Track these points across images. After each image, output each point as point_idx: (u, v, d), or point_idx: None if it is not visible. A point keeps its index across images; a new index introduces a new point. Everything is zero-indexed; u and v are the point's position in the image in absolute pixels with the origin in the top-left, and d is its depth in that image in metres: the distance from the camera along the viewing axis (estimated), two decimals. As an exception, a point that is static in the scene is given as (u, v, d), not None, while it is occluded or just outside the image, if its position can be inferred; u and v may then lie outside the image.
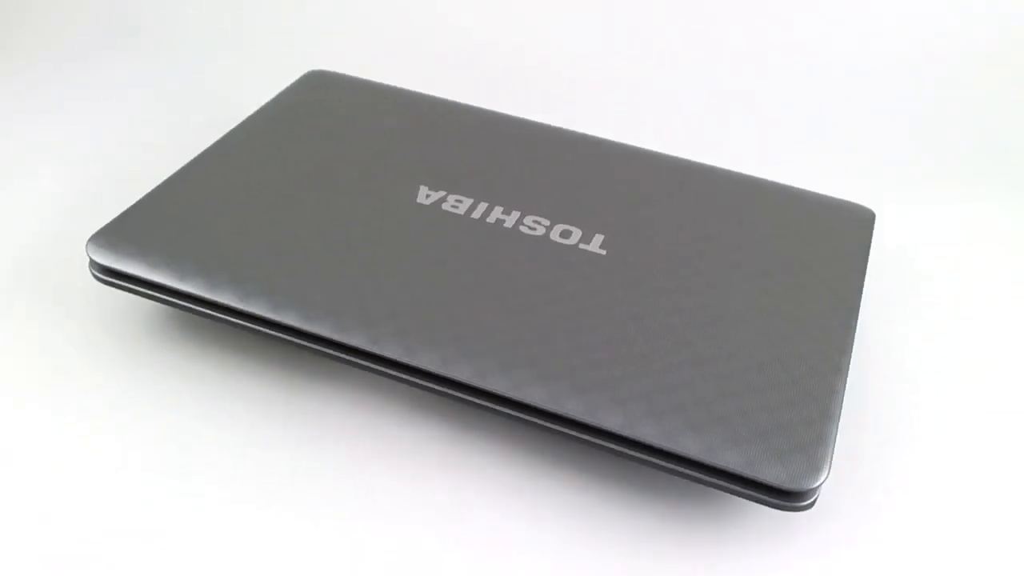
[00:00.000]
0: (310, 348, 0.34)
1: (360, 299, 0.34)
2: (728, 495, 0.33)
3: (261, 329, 0.34)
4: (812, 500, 0.30)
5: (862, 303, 0.37)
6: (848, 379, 0.35)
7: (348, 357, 0.33)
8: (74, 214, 0.46)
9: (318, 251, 0.36)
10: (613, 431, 0.30)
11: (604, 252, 0.37)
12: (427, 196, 0.39)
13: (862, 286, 0.36)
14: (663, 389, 0.31)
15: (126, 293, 0.39)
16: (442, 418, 0.36)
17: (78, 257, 0.42)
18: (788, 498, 0.29)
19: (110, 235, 0.37)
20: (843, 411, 0.36)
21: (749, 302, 0.35)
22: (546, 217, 0.38)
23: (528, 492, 0.34)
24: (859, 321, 0.37)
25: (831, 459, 0.30)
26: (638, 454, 0.31)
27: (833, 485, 0.34)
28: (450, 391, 0.32)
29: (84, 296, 0.41)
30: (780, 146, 0.54)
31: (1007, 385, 0.39)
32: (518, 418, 0.32)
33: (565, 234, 0.37)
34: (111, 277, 0.37)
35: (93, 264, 0.37)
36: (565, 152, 0.43)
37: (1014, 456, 0.36)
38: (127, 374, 0.38)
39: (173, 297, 0.36)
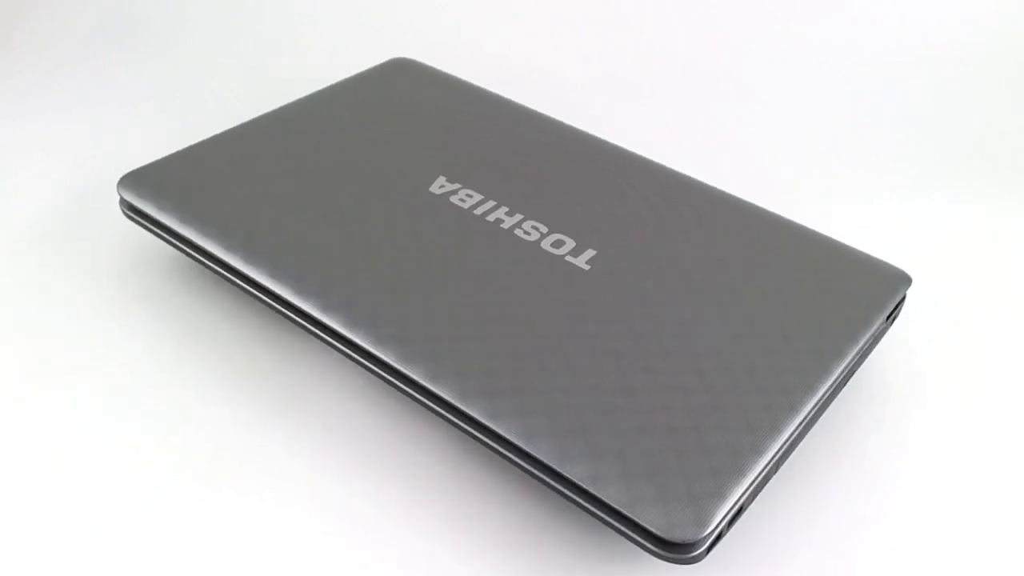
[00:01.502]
0: (278, 310, 0.36)
1: (340, 277, 0.35)
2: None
3: (256, 293, 0.36)
4: (695, 554, 0.28)
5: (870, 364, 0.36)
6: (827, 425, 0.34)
7: (306, 325, 0.35)
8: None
9: (321, 225, 0.38)
10: (511, 440, 0.30)
11: (588, 267, 0.36)
12: (441, 187, 0.40)
13: (860, 337, 0.34)
14: (577, 410, 0.30)
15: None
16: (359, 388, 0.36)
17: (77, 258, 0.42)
18: (666, 547, 0.27)
19: (141, 176, 0.41)
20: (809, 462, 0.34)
21: (724, 338, 0.33)
22: (545, 224, 0.38)
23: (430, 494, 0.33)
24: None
25: (727, 515, 0.28)
26: (532, 469, 0.30)
27: (747, 544, 0.32)
28: (377, 369, 0.33)
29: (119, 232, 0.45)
30: (781, 145, 0.54)
31: (1005, 400, 0.39)
32: (432, 409, 0.32)
33: (557, 244, 0.37)
34: (134, 214, 0.40)
35: (122, 200, 0.41)
36: (600, 165, 0.42)
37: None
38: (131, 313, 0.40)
39: (183, 244, 0.38)
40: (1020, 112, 0.55)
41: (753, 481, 0.29)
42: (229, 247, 0.37)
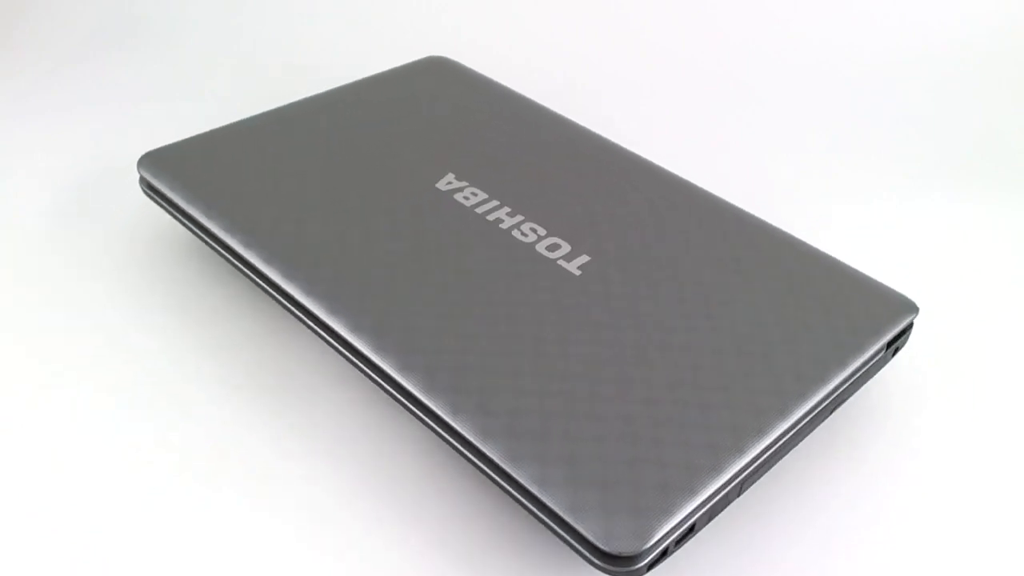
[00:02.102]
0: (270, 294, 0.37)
1: (327, 262, 0.36)
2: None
3: (256, 279, 0.37)
4: (634, 568, 0.27)
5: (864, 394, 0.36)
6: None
7: (282, 301, 0.36)
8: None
9: (323, 216, 0.38)
10: (467, 438, 0.29)
11: (578, 273, 0.35)
12: (448, 184, 0.40)
13: (850, 364, 0.32)
14: (538, 413, 0.30)
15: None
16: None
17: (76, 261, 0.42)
18: (603, 557, 0.27)
19: (160, 156, 0.42)
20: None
21: (704, 353, 0.32)
22: (544, 227, 0.38)
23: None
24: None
25: (671, 532, 0.27)
26: (486, 468, 0.30)
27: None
28: (351, 356, 0.34)
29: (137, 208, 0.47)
30: (783, 144, 0.54)
31: (1004, 410, 0.39)
32: (401, 402, 0.32)
33: (553, 247, 0.37)
34: (151, 192, 0.41)
35: (141, 179, 0.42)
36: (613, 172, 0.42)
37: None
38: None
39: (194, 226, 0.39)
40: (1020, 112, 0.55)
41: (706, 501, 0.28)
42: (230, 230, 0.37)
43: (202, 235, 0.39)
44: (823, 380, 0.32)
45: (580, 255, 0.36)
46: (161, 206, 0.41)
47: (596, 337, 0.33)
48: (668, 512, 0.27)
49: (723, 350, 0.32)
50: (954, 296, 0.43)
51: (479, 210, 0.39)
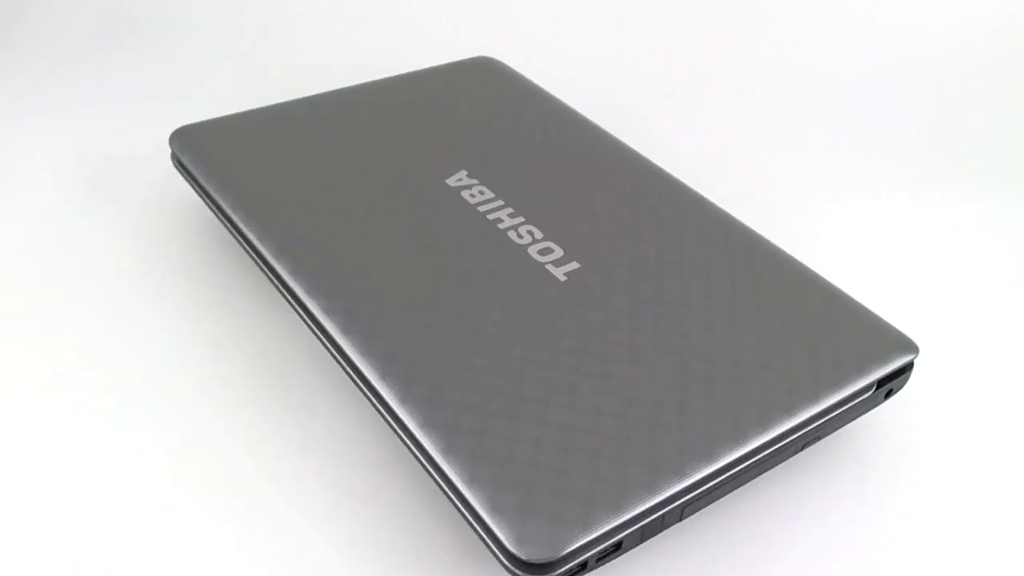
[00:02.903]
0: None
1: (314, 245, 0.36)
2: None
3: (265, 270, 0.37)
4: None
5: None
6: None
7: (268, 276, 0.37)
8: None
9: (329, 204, 0.39)
10: (409, 427, 0.29)
11: (564, 279, 0.35)
12: (458, 180, 0.40)
13: (823, 400, 0.30)
14: (484, 411, 0.29)
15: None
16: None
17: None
18: (513, 561, 0.26)
19: (191, 132, 0.43)
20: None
21: (672, 371, 0.31)
22: (542, 231, 0.37)
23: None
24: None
25: (589, 545, 0.26)
26: (423, 461, 0.29)
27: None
28: (320, 334, 0.34)
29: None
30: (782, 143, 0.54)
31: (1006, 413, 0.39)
32: (360, 388, 0.32)
33: (545, 251, 0.36)
34: (179, 167, 0.43)
35: (172, 153, 0.43)
36: (629, 183, 0.41)
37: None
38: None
39: (213, 206, 0.40)
40: (1020, 112, 0.55)
41: (636, 520, 0.27)
42: (236, 207, 0.39)
43: (219, 214, 0.40)
44: (789, 412, 0.30)
45: (570, 262, 0.36)
46: (188, 182, 0.42)
47: (560, 344, 0.32)
48: (588, 525, 0.26)
49: (689, 370, 0.31)
50: (954, 297, 0.43)
51: (481, 208, 0.39)
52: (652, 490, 0.27)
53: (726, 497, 0.32)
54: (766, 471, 0.31)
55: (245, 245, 0.38)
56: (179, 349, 0.39)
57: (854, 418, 0.33)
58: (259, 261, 0.37)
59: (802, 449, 0.32)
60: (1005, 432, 0.36)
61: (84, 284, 0.42)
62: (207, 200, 0.41)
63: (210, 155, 0.42)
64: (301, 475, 0.34)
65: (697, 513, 0.31)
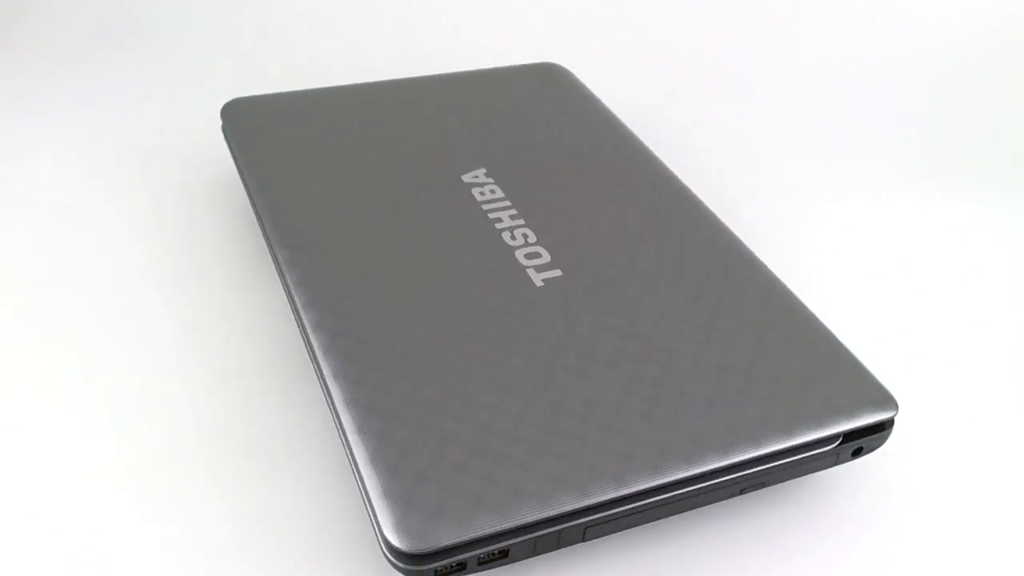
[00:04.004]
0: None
1: (312, 230, 0.37)
2: None
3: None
4: (415, 568, 0.26)
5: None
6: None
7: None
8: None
9: (348, 191, 0.39)
10: (335, 402, 0.29)
11: (541, 285, 0.34)
12: (474, 177, 0.40)
13: (766, 446, 0.28)
14: (409, 399, 0.29)
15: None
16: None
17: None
18: (387, 546, 0.26)
19: (242, 105, 0.45)
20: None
21: (624, 389, 0.30)
22: (537, 235, 0.37)
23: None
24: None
25: (466, 546, 0.26)
26: (340, 438, 0.30)
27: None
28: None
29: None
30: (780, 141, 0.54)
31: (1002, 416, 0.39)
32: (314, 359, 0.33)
33: (532, 255, 0.36)
34: (227, 140, 0.44)
35: (223, 125, 0.44)
36: (653, 206, 0.40)
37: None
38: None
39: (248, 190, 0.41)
40: (1020, 112, 0.55)
41: (525, 530, 0.26)
42: (260, 187, 0.40)
43: (247, 191, 0.41)
44: (722, 452, 0.28)
45: (553, 269, 0.35)
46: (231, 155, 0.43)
47: (511, 346, 0.31)
48: (467, 525, 0.26)
49: (632, 392, 0.30)
50: (953, 297, 0.43)
51: (486, 207, 0.39)
52: (546, 503, 0.26)
53: (649, 526, 0.31)
54: (696, 507, 0.29)
55: (258, 219, 0.39)
56: (182, 348, 0.39)
57: (811, 471, 0.30)
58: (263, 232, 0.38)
59: (740, 493, 0.30)
60: (1006, 436, 0.36)
61: (84, 284, 0.42)
62: (242, 175, 0.42)
63: (254, 131, 0.43)
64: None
65: (607, 537, 0.30)
